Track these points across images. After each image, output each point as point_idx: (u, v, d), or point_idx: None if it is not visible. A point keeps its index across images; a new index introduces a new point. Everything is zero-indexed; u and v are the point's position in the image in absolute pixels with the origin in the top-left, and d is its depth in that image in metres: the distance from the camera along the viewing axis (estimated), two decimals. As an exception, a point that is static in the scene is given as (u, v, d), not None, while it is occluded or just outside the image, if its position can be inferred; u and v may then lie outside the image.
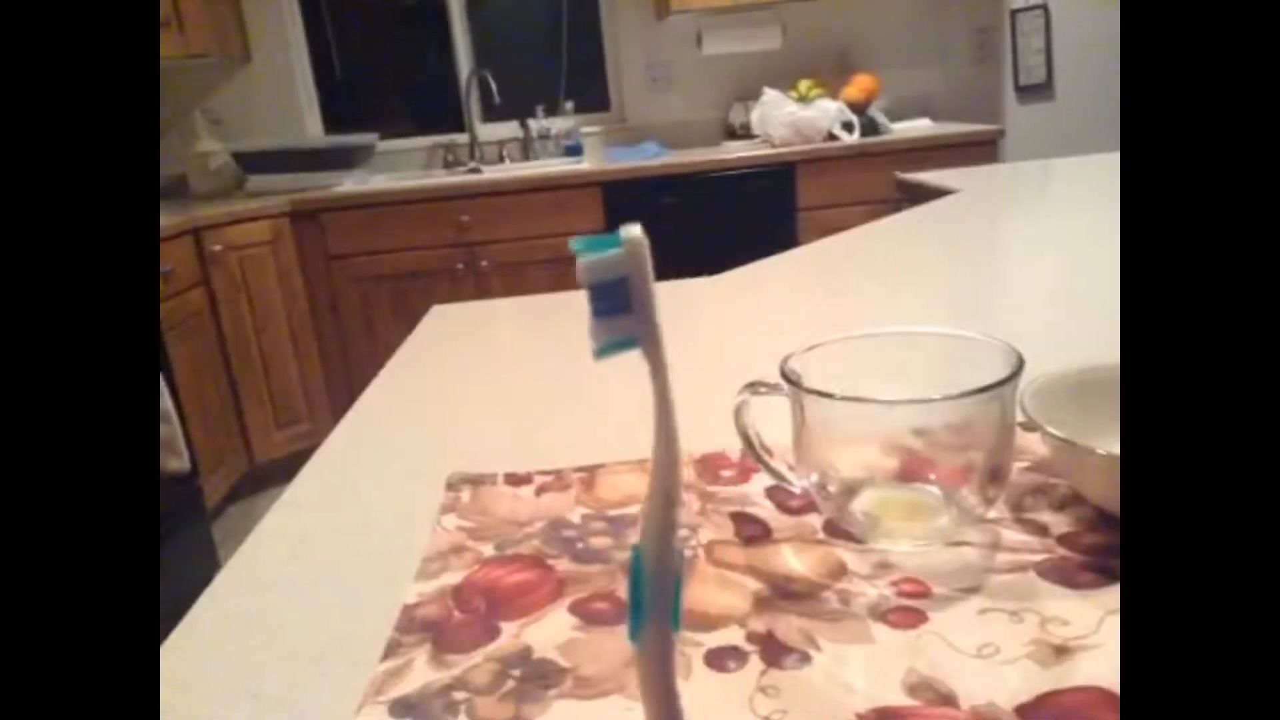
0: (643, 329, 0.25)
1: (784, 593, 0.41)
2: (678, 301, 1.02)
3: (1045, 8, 3.02)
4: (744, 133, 3.19)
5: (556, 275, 2.82)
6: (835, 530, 0.46)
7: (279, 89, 3.23)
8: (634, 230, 0.24)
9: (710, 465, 0.55)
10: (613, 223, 2.78)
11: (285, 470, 2.81)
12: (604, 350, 0.25)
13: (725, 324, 0.91)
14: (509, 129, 3.31)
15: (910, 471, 0.45)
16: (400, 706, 0.36)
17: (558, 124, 3.27)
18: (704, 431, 0.61)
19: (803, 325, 0.88)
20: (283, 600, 0.46)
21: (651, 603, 0.27)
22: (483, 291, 2.83)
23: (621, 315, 0.24)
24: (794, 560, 0.44)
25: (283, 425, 2.81)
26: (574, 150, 3.23)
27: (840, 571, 0.42)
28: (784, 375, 0.45)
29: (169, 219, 2.49)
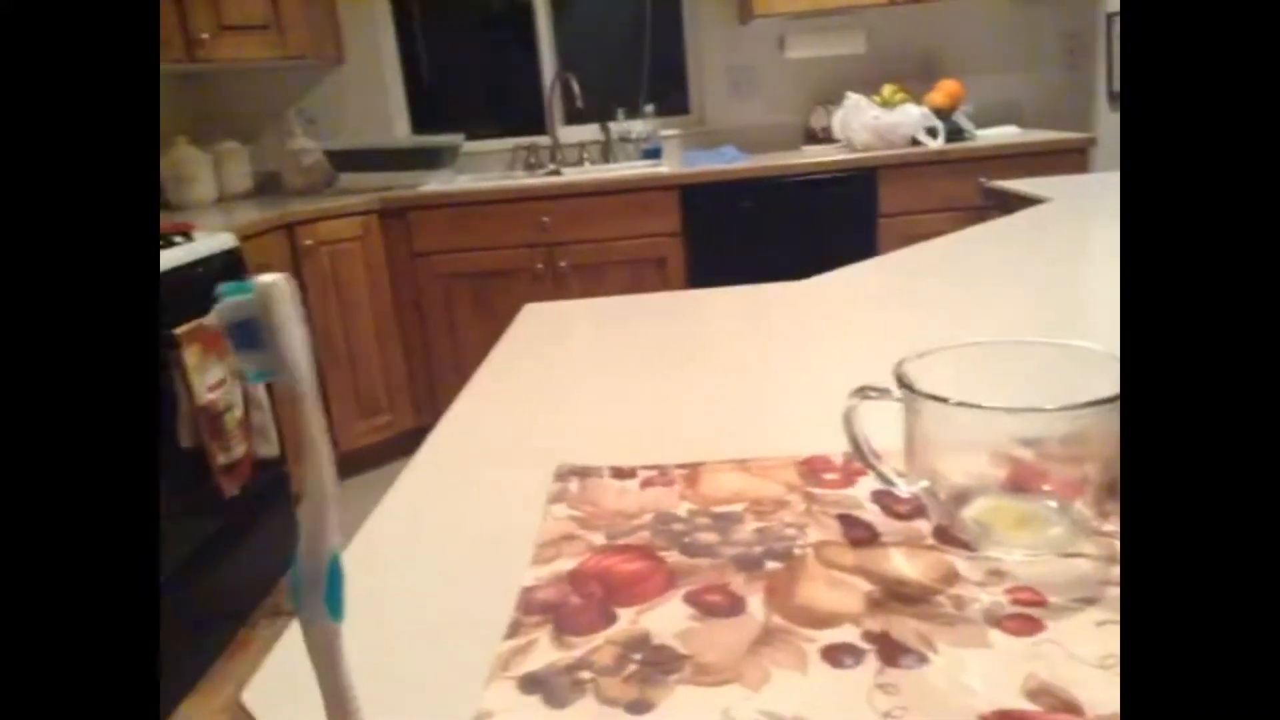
0: (275, 362, 0.29)
1: (896, 595, 0.42)
2: (766, 306, 1.02)
3: (1144, 12, 2.92)
4: (825, 137, 3.16)
5: (633, 277, 2.84)
6: (945, 536, 0.46)
7: (370, 90, 3.34)
8: (268, 278, 0.28)
9: (814, 468, 0.56)
10: (690, 225, 2.80)
11: (365, 460, 2.89)
12: (254, 377, 0.29)
13: (817, 329, 0.91)
14: (590, 131, 3.35)
15: (1021, 481, 0.45)
16: (529, 683, 0.37)
17: (638, 127, 3.30)
18: (805, 434, 0.62)
19: (895, 333, 0.87)
20: (403, 580, 0.49)
21: (308, 592, 0.31)
22: (561, 291, 2.87)
23: (256, 350, 0.28)
24: (904, 564, 0.44)
25: (365, 416, 2.90)
26: (653, 153, 3.25)
27: (952, 577, 0.43)
28: (899, 380, 0.45)
29: (264, 213, 2.59)
